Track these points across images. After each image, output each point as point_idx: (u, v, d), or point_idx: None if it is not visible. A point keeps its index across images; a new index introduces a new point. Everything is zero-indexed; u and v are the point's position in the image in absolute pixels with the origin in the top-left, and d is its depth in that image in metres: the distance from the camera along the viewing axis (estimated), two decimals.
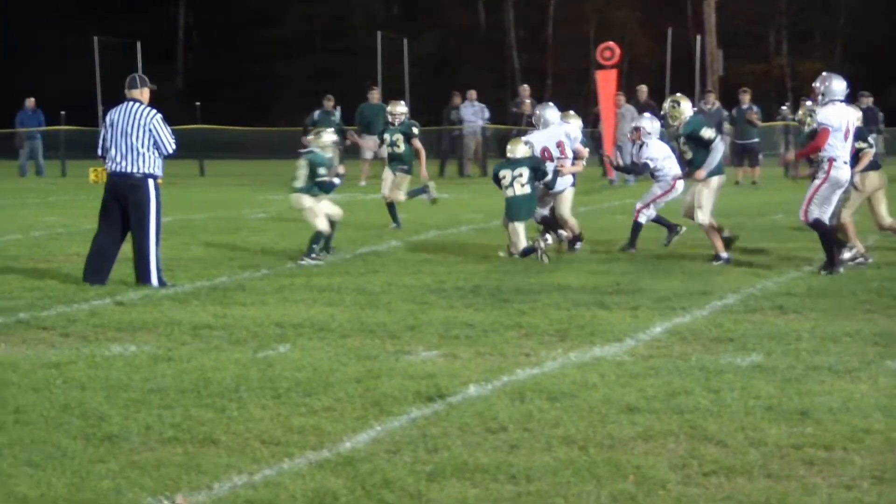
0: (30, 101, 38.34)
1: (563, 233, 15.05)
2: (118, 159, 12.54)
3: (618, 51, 31.04)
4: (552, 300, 11.38)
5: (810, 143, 13.12)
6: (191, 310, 11.04)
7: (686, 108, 14.57)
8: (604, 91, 30.50)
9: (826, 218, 13.12)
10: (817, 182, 13.09)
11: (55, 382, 8.10)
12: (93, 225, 12.93)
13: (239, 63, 63.44)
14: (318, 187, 14.47)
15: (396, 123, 18.96)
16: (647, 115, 17.37)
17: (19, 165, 37.92)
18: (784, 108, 40.60)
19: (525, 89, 35.22)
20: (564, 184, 15.34)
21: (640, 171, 16.32)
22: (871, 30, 55.92)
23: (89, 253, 12.71)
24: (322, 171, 14.45)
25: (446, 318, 10.50)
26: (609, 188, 28.46)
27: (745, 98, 30.69)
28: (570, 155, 15.34)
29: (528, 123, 26.80)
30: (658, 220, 15.58)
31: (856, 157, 13.68)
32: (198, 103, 40.77)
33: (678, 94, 15.26)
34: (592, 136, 31.57)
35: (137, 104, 12.61)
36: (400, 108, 19.25)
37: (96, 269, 12.51)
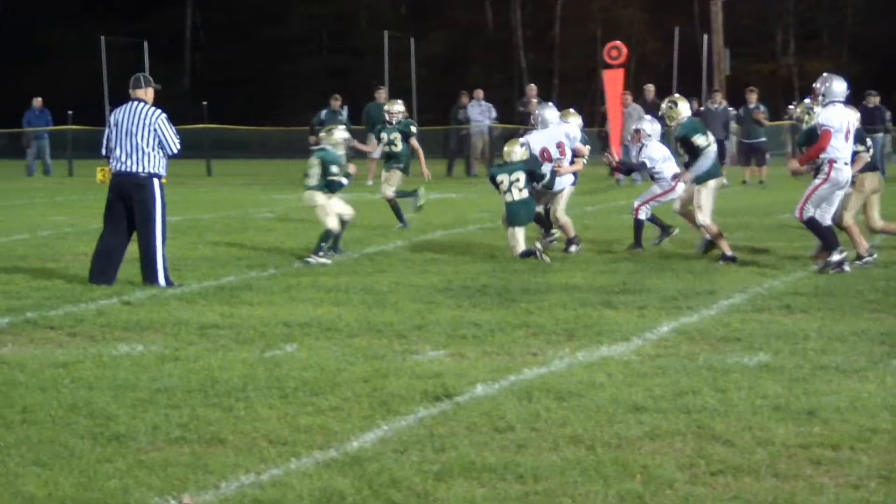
0: (37, 101, 38.39)
1: (554, 233, 15.05)
2: (123, 158, 12.55)
3: (625, 50, 31.05)
4: (559, 300, 11.37)
5: (814, 146, 13.12)
6: (198, 309, 11.04)
7: (683, 109, 14.59)
8: (611, 90, 30.48)
9: (827, 218, 13.13)
10: (817, 182, 13.11)
11: (62, 382, 8.11)
12: (100, 224, 12.93)
13: (246, 63, 63.50)
14: (327, 186, 14.48)
15: (394, 122, 18.92)
16: (647, 117, 17.49)
17: (27, 165, 37.99)
18: (791, 107, 40.33)
19: (532, 89, 35.21)
20: (564, 182, 15.33)
21: (638, 169, 16.38)
22: (879, 29, 55.82)
23: (95, 254, 12.70)
24: (334, 169, 14.47)
25: (453, 317, 10.50)
26: (616, 187, 28.44)
27: (753, 97, 30.67)
28: (570, 155, 15.34)
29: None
30: (652, 219, 15.62)
31: (852, 159, 13.67)
32: (205, 103, 40.81)
33: (676, 95, 15.38)
34: (599, 136, 31.59)
35: (142, 104, 12.63)
36: (397, 107, 19.22)
37: (102, 269, 12.51)
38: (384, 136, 18.87)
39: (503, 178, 14.61)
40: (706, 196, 14.23)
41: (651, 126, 15.90)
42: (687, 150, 14.30)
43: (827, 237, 13.17)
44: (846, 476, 6.01)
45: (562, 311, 10.75)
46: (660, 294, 11.63)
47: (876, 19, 57.18)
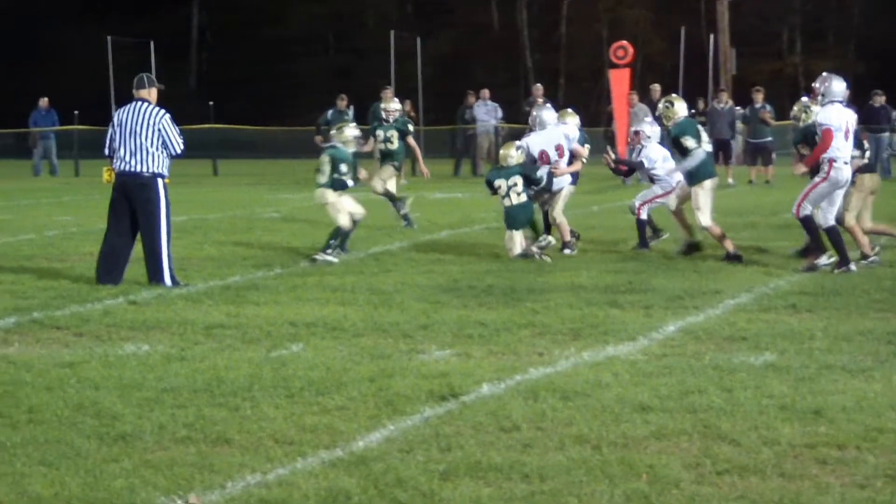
0: (43, 101, 38.43)
1: (547, 238, 15.05)
2: (127, 158, 12.57)
3: (631, 50, 31.02)
4: (565, 299, 11.37)
5: (817, 146, 13.14)
6: (204, 309, 11.05)
7: (680, 109, 14.62)
8: (617, 90, 30.48)
9: (830, 219, 13.12)
10: (816, 180, 13.14)
11: (69, 382, 8.12)
12: (106, 225, 12.94)
13: (252, 63, 63.47)
14: (333, 184, 14.49)
15: (391, 120, 18.88)
16: (647, 119, 17.57)
17: (33, 165, 38.02)
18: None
19: (538, 88, 35.17)
20: (563, 182, 15.33)
21: (636, 167, 16.42)
22: (885, 29, 55.74)
23: (100, 254, 12.72)
24: (343, 167, 14.48)
25: (459, 317, 10.50)
26: (622, 187, 28.42)
27: (759, 97, 30.64)
28: (568, 156, 15.33)
29: None
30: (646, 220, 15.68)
31: None
32: (211, 103, 40.83)
33: (673, 95, 15.57)
34: (606, 136, 31.57)
35: (146, 104, 12.65)
36: (394, 105, 19.20)
37: (108, 269, 12.53)
38: (380, 133, 18.77)
39: (500, 183, 14.61)
40: (703, 197, 14.24)
41: (650, 128, 15.97)
42: (679, 151, 14.38)
43: (818, 239, 13.23)
44: (852, 475, 6.01)
45: (568, 311, 10.75)
46: (666, 294, 11.63)
47: (882, 19, 57.10)
